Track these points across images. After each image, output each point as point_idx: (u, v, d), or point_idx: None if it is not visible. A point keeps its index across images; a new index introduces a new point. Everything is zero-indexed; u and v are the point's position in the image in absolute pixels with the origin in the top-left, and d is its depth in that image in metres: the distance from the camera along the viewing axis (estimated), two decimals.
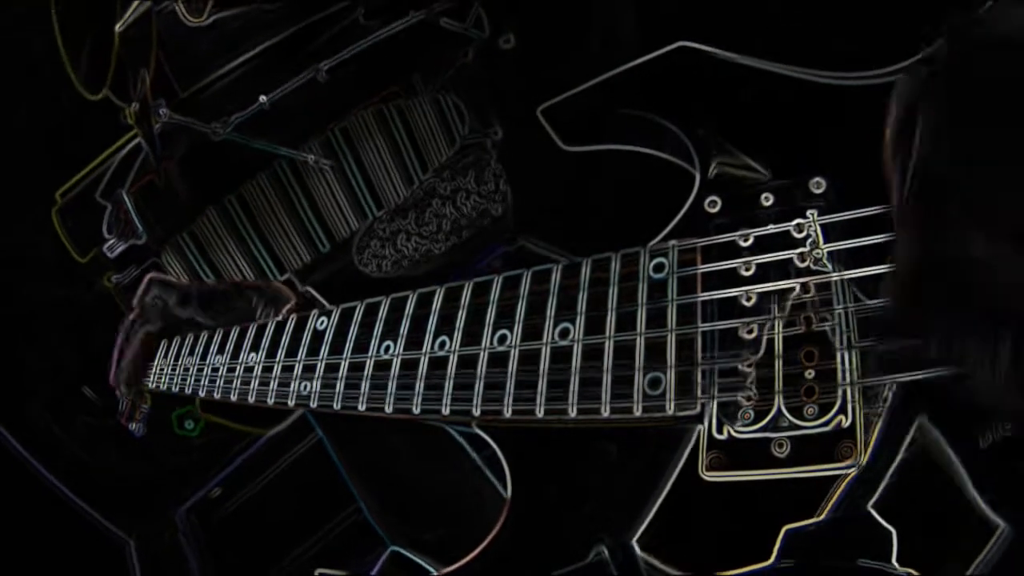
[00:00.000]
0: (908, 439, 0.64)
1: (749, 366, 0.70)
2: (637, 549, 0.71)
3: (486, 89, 1.39)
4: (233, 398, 1.03)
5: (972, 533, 0.60)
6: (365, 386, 0.89)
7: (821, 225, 0.71)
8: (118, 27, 1.32)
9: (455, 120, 1.45)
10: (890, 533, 0.62)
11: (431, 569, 0.88)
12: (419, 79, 1.41)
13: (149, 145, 1.31)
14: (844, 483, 0.65)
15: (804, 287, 0.70)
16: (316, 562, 1.37)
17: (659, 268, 0.76)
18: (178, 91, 1.34)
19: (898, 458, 0.64)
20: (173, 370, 1.15)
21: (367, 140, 1.43)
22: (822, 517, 0.65)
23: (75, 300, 1.45)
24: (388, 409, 0.86)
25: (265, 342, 1.02)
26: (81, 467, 1.45)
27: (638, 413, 0.73)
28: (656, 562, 0.71)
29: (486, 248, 1.41)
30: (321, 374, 0.93)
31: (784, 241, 0.72)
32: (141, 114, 1.29)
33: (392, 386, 0.86)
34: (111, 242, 1.40)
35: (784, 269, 0.71)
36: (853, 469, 0.65)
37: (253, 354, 1.02)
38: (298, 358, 0.97)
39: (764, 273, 0.72)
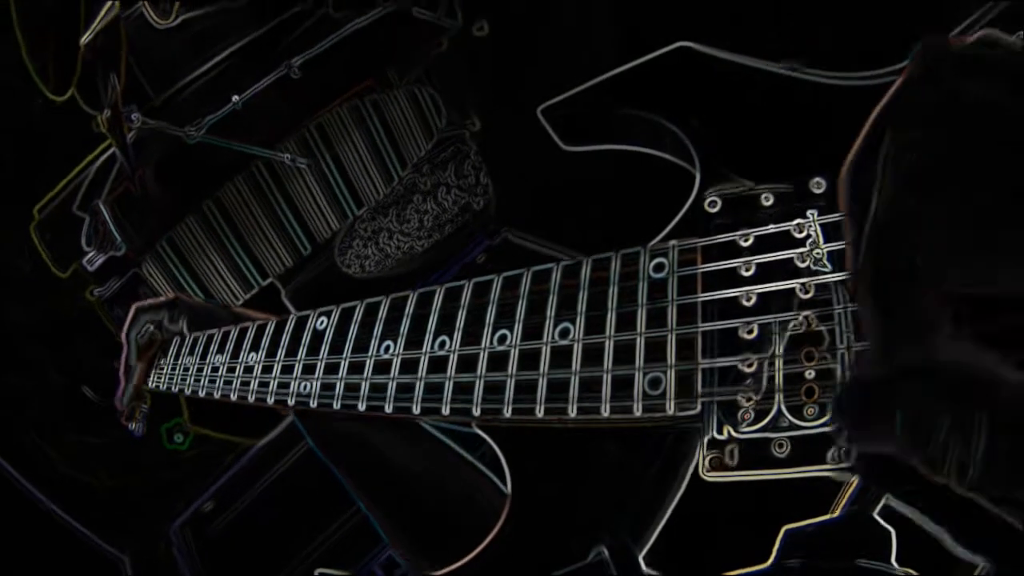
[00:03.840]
0: None
1: (749, 366, 0.72)
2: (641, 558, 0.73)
3: (462, 79, 1.39)
4: (233, 398, 1.04)
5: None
6: (365, 386, 0.89)
7: (821, 225, 0.72)
8: (86, 36, 1.31)
9: (432, 113, 1.45)
10: (890, 533, 0.64)
11: None
12: (394, 72, 1.41)
13: (122, 152, 1.30)
14: (851, 488, 0.66)
15: (804, 287, 0.71)
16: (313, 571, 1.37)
17: (659, 268, 0.77)
18: (151, 96, 1.33)
19: None
20: (173, 370, 1.15)
21: (344, 137, 1.42)
22: (822, 517, 0.67)
23: (58, 316, 1.43)
24: (388, 409, 0.87)
25: (265, 342, 1.02)
26: (72, 485, 1.44)
27: (638, 413, 0.74)
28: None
29: (469, 242, 1.42)
30: (321, 374, 0.94)
31: (784, 241, 0.73)
32: (113, 121, 1.28)
33: (392, 386, 0.87)
34: (90, 254, 1.38)
35: (784, 269, 0.73)
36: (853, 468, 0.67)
37: (253, 354, 1.03)
38: (298, 358, 0.97)
39: (764, 273, 0.73)
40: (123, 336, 1.22)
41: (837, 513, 0.66)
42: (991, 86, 0.56)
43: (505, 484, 0.81)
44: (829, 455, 0.68)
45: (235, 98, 1.31)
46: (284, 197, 1.43)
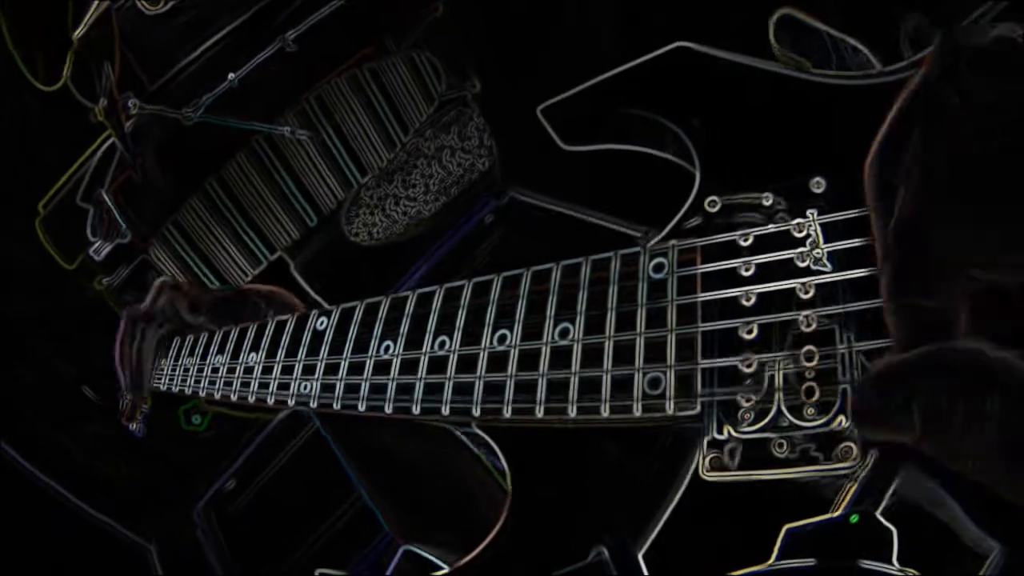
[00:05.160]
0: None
1: (749, 366, 0.72)
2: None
3: (459, 42, 1.38)
4: (233, 398, 1.05)
5: (966, 558, 0.63)
6: (365, 386, 0.90)
7: (821, 225, 0.72)
8: (79, 30, 1.30)
9: (431, 77, 1.44)
10: (890, 533, 0.64)
11: (445, 566, 0.91)
12: (390, 39, 1.39)
13: (121, 140, 1.30)
14: (852, 490, 0.67)
15: (804, 287, 0.71)
16: (336, 543, 1.40)
17: (659, 268, 0.77)
18: (146, 84, 1.33)
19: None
20: (173, 370, 1.17)
21: (344, 107, 1.42)
22: (823, 517, 0.68)
23: (67, 308, 1.45)
24: (388, 409, 0.88)
25: (265, 342, 1.03)
26: (92, 477, 1.47)
27: (638, 413, 0.75)
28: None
29: (476, 203, 1.42)
30: (321, 374, 0.95)
31: (784, 241, 0.73)
32: (110, 109, 1.28)
33: (392, 386, 0.88)
34: (96, 244, 1.39)
35: (784, 269, 0.73)
36: (853, 469, 0.67)
37: (253, 354, 1.04)
38: (298, 358, 0.98)
39: (764, 273, 0.73)
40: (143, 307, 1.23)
41: (839, 512, 0.67)
42: (1008, 85, 0.56)
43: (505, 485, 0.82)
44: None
45: (231, 76, 1.30)
46: (287, 170, 1.43)
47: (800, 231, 0.73)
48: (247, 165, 1.40)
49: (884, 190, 0.63)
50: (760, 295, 0.73)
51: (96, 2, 1.28)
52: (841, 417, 0.69)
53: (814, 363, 0.70)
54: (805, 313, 0.71)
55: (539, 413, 0.79)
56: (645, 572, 0.74)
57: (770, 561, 0.68)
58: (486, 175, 1.45)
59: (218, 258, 1.44)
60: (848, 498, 0.67)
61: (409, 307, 0.90)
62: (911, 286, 0.60)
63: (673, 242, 0.78)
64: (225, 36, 1.31)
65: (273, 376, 1.00)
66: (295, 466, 1.46)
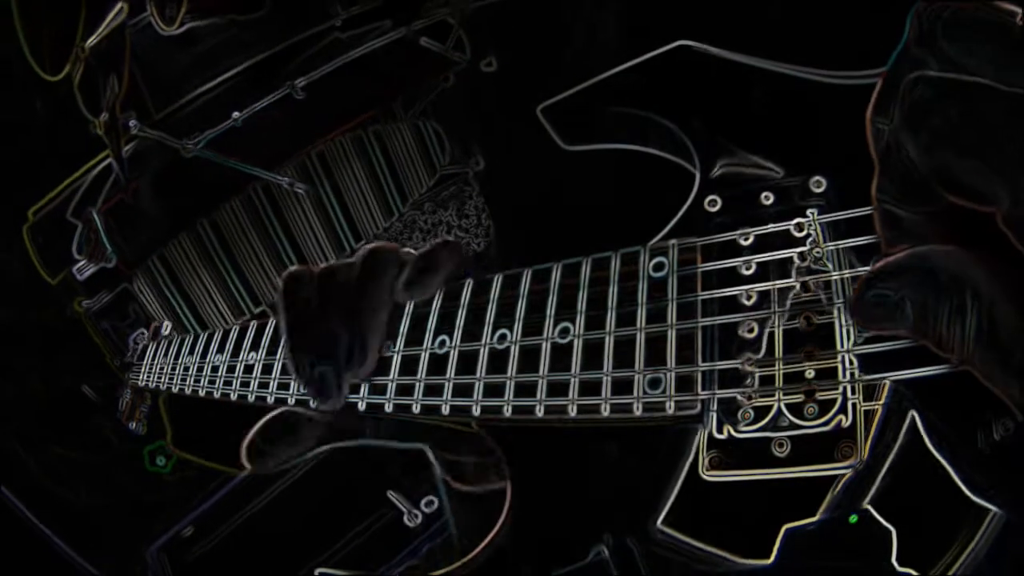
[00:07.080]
0: (901, 437, 0.68)
1: (749, 365, 0.74)
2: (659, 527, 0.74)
3: (467, 115, 1.42)
4: (233, 397, 1.06)
5: (965, 521, 0.65)
6: (365, 385, 0.92)
7: (821, 224, 0.75)
8: (91, 39, 1.35)
9: (436, 149, 1.47)
10: (890, 532, 0.66)
11: None
12: (399, 104, 1.44)
13: (117, 160, 1.32)
14: (841, 483, 0.69)
15: (804, 286, 0.74)
16: None
17: (659, 267, 0.80)
18: (151, 109, 1.36)
19: (891, 455, 0.68)
20: (173, 369, 1.18)
21: (345, 167, 1.43)
22: (822, 516, 0.69)
23: (45, 324, 1.44)
24: (388, 408, 0.90)
25: (265, 341, 1.05)
26: (51, 499, 1.44)
27: (638, 412, 0.77)
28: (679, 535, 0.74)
29: None
30: None
31: (784, 240, 0.76)
32: (110, 125, 1.31)
33: (392, 385, 0.90)
34: (81, 263, 1.40)
35: (784, 268, 0.76)
36: (853, 469, 0.69)
37: (253, 353, 1.05)
38: None
39: (764, 272, 0.76)
40: None
41: (823, 515, 0.68)
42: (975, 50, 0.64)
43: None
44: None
45: (235, 114, 1.34)
46: (281, 224, 1.44)
47: (800, 230, 0.76)
48: (241, 212, 1.42)
49: (879, 134, 0.70)
50: (760, 294, 0.76)
51: (112, 13, 1.33)
52: (841, 416, 0.71)
53: (814, 362, 0.73)
54: (805, 312, 0.74)
55: (539, 412, 0.81)
56: (644, 571, 0.74)
57: (770, 560, 0.69)
58: (481, 256, 1.48)
59: (202, 303, 1.45)
60: (832, 496, 0.69)
61: (409, 306, 0.93)
62: (891, 194, 0.68)
63: (673, 241, 0.81)
64: (237, 74, 1.36)
65: (273, 375, 1.02)
66: (258, 523, 1.43)
